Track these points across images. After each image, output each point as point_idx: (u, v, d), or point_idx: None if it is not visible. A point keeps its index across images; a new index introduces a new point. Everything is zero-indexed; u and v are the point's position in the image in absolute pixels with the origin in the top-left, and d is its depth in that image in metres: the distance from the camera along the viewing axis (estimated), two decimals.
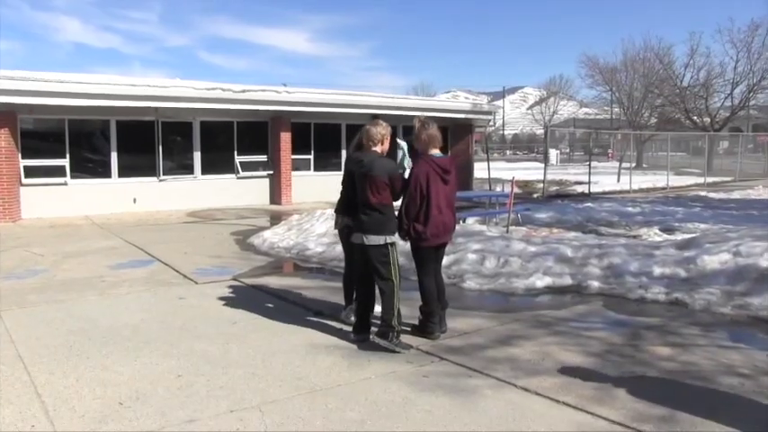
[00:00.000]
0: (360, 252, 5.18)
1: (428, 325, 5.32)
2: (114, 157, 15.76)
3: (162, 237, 11.54)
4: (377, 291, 5.18)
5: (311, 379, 4.39)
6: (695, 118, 42.28)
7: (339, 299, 6.11)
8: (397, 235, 5.14)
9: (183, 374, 4.48)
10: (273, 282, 7.63)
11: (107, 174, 15.73)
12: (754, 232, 7.90)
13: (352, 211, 5.24)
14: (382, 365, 4.65)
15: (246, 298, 6.83)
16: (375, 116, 18.96)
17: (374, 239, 5.00)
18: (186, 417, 3.78)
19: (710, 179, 28.62)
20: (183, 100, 15.79)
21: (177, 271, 8.28)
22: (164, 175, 16.52)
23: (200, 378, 4.41)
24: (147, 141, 16.17)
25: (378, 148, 5.20)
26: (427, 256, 5.34)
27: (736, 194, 21.90)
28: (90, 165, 15.61)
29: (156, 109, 15.73)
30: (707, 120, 41.50)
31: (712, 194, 21.99)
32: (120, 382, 4.35)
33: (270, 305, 6.52)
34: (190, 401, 4.01)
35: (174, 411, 3.85)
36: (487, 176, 21.69)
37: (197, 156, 17.12)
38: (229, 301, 6.64)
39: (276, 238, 10.45)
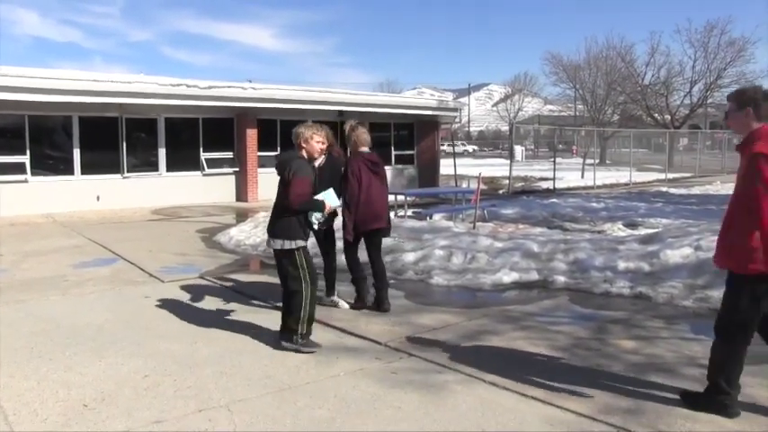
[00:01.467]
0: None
1: (359, 292, 6.16)
2: (77, 153, 15.45)
3: (126, 235, 11.35)
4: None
5: (280, 377, 4.36)
6: (656, 115, 43.18)
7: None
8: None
9: (149, 374, 4.41)
10: (240, 279, 7.56)
11: (69, 171, 15.40)
12: (713, 227, 8.07)
13: None
14: (351, 362, 4.64)
15: (213, 296, 6.75)
16: (341, 113, 19.07)
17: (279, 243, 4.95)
18: (153, 417, 3.72)
19: (671, 175, 29.22)
20: (147, 96, 15.54)
21: (142, 269, 8.15)
22: (128, 172, 16.24)
23: (167, 378, 4.35)
24: (110, 138, 15.88)
25: (302, 151, 5.07)
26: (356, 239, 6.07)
27: (695, 190, 22.38)
28: (51, 162, 15.27)
29: (120, 105, 15.45)
30: (667, 117, 42.40)
31: (673, 190, 22.46)
32: (85, 383, 4.26)
33: (237, 303, 6.46)
34: (157, 402, 3.95)
35: (141, 412, 3.79)
36: (453, 173, 21.80)
37: (162, 152, 16.88)
38: (196, 300, 6.56)
39: (243, 235, 10.36)
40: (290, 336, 4.92)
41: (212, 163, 17.61)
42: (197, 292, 6.94)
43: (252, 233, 10.44)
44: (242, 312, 6.09)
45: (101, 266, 8.41)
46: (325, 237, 6.28)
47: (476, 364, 4.60)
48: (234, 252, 9.58)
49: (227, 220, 13.65)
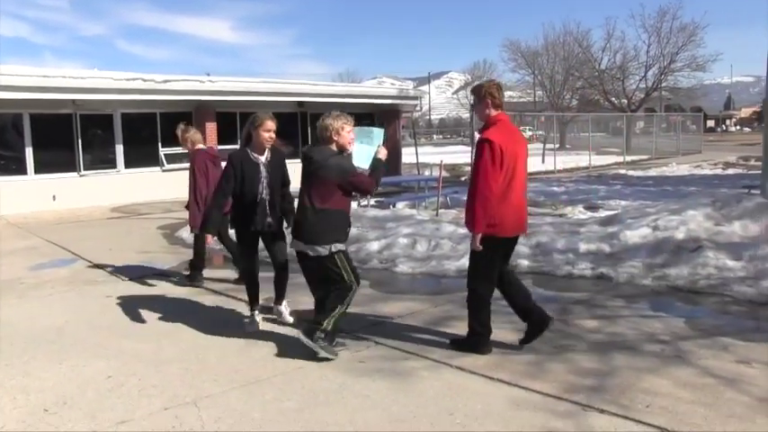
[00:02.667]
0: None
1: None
2: (29, 152, 15.04)
3: (85, 234, 11.11)
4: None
5: (247, 371, 4.33)
6: (613, 99, 43.91)
7: (270, 287, 6.03)
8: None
9: (113, 375, 4.34)
10: (205, 275, 7.46)
11: (22, 170, 14.99)
12: (670, 207, 8.27)
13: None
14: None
15: (177, 293, 6.67)
16: (301, 104, 18.95)
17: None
18: (118, 418, 3.66)
19: (629, 158, 29.77)
20: (101, 92, 15.20)
21: (103, 269, 8.00)
22: (84, 170, 15.89)
23: (131, 378, 4.28)
24: (64, 135, 15.50)
25: (333, 145, 4.63)
26: None
27: (652, 172, 22.86)
28: (3, 162, 14.85)
29: (74, 101, 15.09)
30: (624, 101, 43.17)
31: (631, 172, 22.90)
32: (45, 387, 4.17)
33: (201, 299, 6.39)
34: (121, 402, 3.89)
35: (105, 413, 3.73)
36: (416, 161, 21.85)
37: (119, 149, 16.54)
38: (159, 297, 6.47)
39: None
40: (313, 332, 4.50)
41: (172, 158, 17.31)
42: (160, 289, 6.85)
43: None
44: (207, 307, 6.03)
45: (59, 267, 8.22)
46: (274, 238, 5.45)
47: (442, 349, 4.64)
48: None
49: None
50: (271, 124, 5.21)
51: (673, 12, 41.57)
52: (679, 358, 4.38)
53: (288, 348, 4.76)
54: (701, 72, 43.46)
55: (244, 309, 5.95)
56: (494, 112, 4.45)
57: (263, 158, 5.23)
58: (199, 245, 6.97)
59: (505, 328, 5.10)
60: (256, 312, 5.39)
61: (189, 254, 8.99)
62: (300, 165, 4.61)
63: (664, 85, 44.03)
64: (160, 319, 5.69)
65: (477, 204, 4.23)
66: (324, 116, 4.66)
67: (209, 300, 6.35)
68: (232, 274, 7.50)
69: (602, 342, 4.73)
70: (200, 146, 7.01)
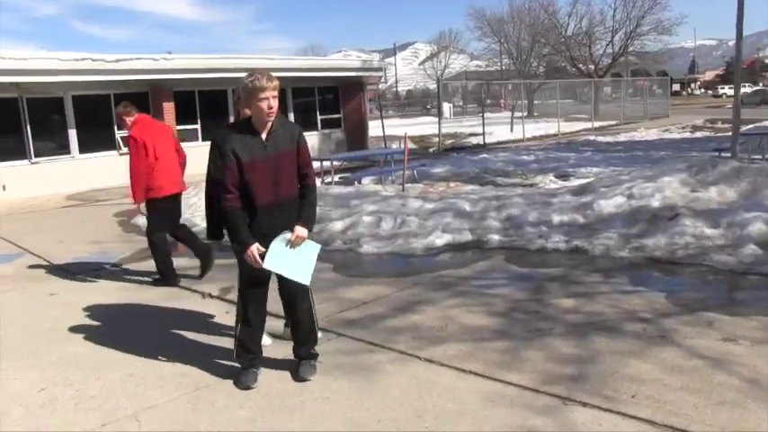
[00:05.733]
0: None
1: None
2: None
3: (35, 225, 10.52)
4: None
5: (196, 375, 3.93)
6: (580, 65, 43.78)
7: (228, 277, 5.64)
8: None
9: (46, 387, 3.90)
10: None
11: None
12: (644, 173, 8.00)
13: None
14: (274, 349, 4.23)
15: (128, 287, 6.23)
16: None
17: None
18: None
19: (598, 123, 29.65)
20: (47, 73, 14.40)
21: (50, 263, 7.49)
22: (36, 157, 15.14)
23: (67, 389, 3.85)
24: (12, 121, 14.70)
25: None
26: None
27: (622, 137, 22.73)
28: None
29: (18, 84, 14.28)
30: (591, 67, 43.08)
31: (601, 138, 22.74)
32: None
33: (154, 292, 5.96)
34: (53, 420, 3.47)
35: None
36: (382, 134, 21.41)
37: (72, 133, 15.80)
38: (108, 293, 6.02)
39: None
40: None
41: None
42: (110, 283, 6.39)
43: None
44: (159, 302, 5.60)
45: (2, 263, 7.67)
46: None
47: (409, 339, 4.30)
48: None
49: None
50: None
51: None
52: (663, 338, 4.10)
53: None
54: (666, 35, 43.70)
55: (199, 302, 5.56)
56: (133, 117, 6.08)
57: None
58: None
59: (476, 311, 4.79)
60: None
61: (145, 242, 8.55)
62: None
63: (630, 49, 44.11)
64: (107, 317, 5.25)
65: (131, 181, 5.89)
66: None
67: (161, 294, 5.91)
68: (188, 261, 7.06)
69: (581, 323, 4.43)
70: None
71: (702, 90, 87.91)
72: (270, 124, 3.56)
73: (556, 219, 7.11)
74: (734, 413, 3.13)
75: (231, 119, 18.13)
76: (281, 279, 3.77)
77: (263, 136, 3.56)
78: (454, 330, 4.42)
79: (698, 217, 6.52)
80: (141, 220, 9.83)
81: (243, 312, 3.77)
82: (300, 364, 3.82)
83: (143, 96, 16.96)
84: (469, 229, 7.18)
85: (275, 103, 3.50)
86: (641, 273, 5.69)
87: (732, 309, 4.61)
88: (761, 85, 57.97)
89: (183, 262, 6.77)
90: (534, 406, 3.30)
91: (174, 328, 4.84)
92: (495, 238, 6.92)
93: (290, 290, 3.78)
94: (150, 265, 6.98)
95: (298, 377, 3.76)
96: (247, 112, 3.66)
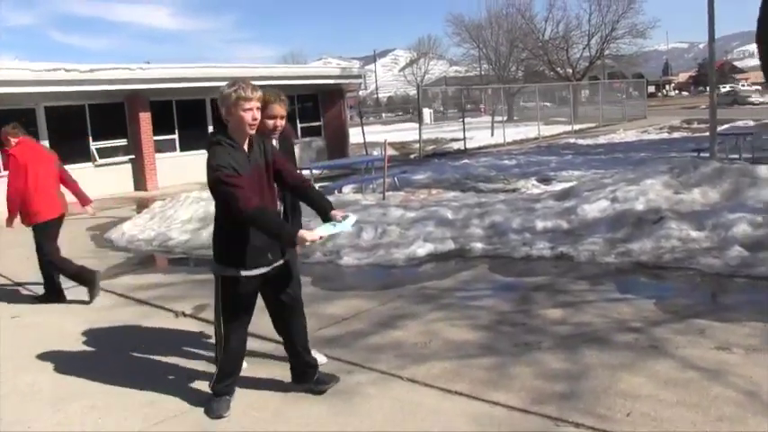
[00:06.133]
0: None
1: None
2: None
3: (4, 241, 10.13)
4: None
5: (165, 404, 3.67)
6: (558, 69, 43.98)
7: (204, 293, 5.40)
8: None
9: None
10: (130, 282, 6.76)
11: None
12: (626, 176, 7.88)
13: None
14: (249, 371, 4.00)
15: (96, 306, 5.94)
16: None
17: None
18: None
19: (577, 126, 29.68)
20: (18, 84, 14.00)
21: (14, 282, 7.19)
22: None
23: (15, 427, 3.53)
24: None
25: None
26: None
27: (601, 139, 22.72)
28: None
29: None
30: (569, 70, 43.28)
31: (581, 141, 22.73)
32: None
33: (124, 311, 5.69)
34: None
35: None
36: (363, 141, 21.21)
37: (45, 145, 15.39)
38: (75, 313, 5.74)
39: (136, 229, 9.45)
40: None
41: (104, 152, 16.24)
42: (78, 302, 6.10)
43: (147, 226, 9.55)
44: (130, 322, 5.33)
45: None
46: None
47: (391, 357, 4.09)
48: (126, 250, 8.68)
49: (124, 212, 12.54)
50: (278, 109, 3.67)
51: None
52: (655, 349, 3.93)
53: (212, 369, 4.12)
54: (641, 39, 44.10)
55: (172, 321, 5.31)
56: (17, 138, 6.11)
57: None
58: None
59: (460, 325, 4.60)
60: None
61: (118, 257, 8.29)
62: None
63: (606, 53, 44.41)
64: (73, 340, 4.96)
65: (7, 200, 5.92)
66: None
67: (132, 312, 5.65)
68: (162, 278, 6.82)
69: (570, 335, 4.24)
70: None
71: (677, 91, 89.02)
72: (249, 137, 3.35)
73: (540, 225, 6.94)
74: (734, 429, 2.96)
75: (210, 128, 17.92)
76: (275, 301, 3.62)
77: (245, 148, 3.35)
78: (438, 347, 4.22)
79: (683, 219, 6.39)
80: (115, 235, 9.56)
81: (226, 339, 3.51)
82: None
83: (119, 107, 16.65)
84: (452, 238, 6.99)
85: (259, 115, 3.32)
86: (629, 279, 5.54)
87: (723, 314, 4.47)
88: (730, 86, 58.67)
89: (157, 279, 6.52)
90: (524, 427, 3.11)
91: (145, 351, 4.58)
92: (479, 246, 6.74)
93: (286, 307, 3.62)
94: (125, 283, 6.75)
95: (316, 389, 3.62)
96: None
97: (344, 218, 3.42)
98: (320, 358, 3.90)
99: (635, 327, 4.33)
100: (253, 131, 3.32)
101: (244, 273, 3.34)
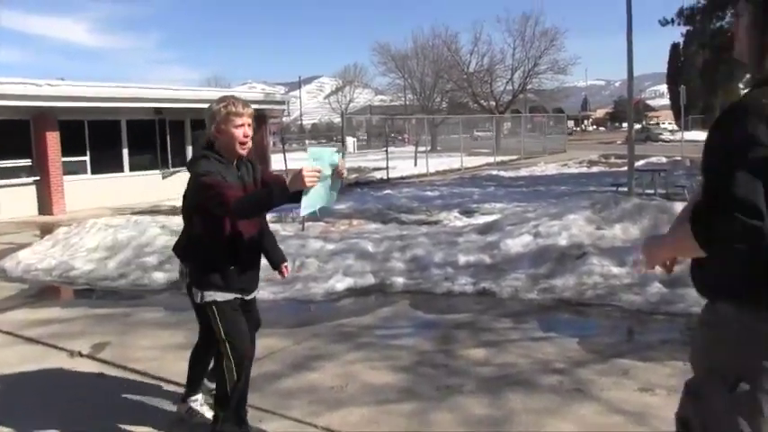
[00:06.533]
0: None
1: None
2: None
3: None
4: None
5: None
6: (482, 101, 45.05)
7: (107, 329, 4.94)
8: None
9: None
10: (20, 317, 6.14)
11: None
12: (549, 211, 7.90)
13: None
14: (144, 424, 3.60)
15: None
16: (158, 110, 17.44)
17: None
18: None
19: (499, 158, 30.32)
20: None
21: None
22: None
23: None
24: None
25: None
26: None
27: (523, 171, 23.21)
28: None
29: None
30: (492, 103, 44.40)
31: (503, 173, 23.13)
32: None
33: (14, 353, 5.10)
34: None
35: None
36: (284, 168, 20.83)
37: None
38: None
39: (35, 258, 8.74)
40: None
41: (5, 173, 15.20)
42: None
43: (48, 254, 8.86)
44: (16, 366, 4.74)
45: None
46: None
47: (305, 403, 3.78)
48: (21, 280, 7.97)
49: (24, 238, 11.68)
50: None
51: (535, 17, 43.61)
52: (579, 392, 3.80)
53: (113, 420, 3.70)
54: (562, 75, 45.80)
55: (67, 361, 4.81)
56: None
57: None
58: None
59: (380, 366, 4.34)
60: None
61: (10, 288, 7.61)
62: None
63: (529, 87, 45.88)
64: None
65: None
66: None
67: (22, 353, 5.07)
68: (60, 312, 6.25)
69: (493, 377, 4.06)
70: None
71: (594, 126, 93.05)
72: (239, 157, 3.20)
73: (462, 259, 6.82)
74: None
75: (125, 151, 17.19)
76: None
77: (235, 167, 3.19)
78: (356, 391, 3.94)
79: (604, 255, 6.41)
80: (9, 264, 8.82)
81: (238, 365, 3.18)
82: None
83: (24, 124, 15.67)
84: (372, 272, 6.75)
85: (251, 132, 3.19)
86: (552, 316, 5.45)
87: (645, 354, 4.44)
88: (644, 123, 61.78)
89: (54, 313, 5.95)
90: None
91: (31, 398, 4.09)
92: (400, 280, 6.54)
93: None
94: (15, 318, 6.15)
95: None
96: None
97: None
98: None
99: (559, 368, 4.20)
100: (244, 151, 3.16)
101: (233, 295, 3.21)
